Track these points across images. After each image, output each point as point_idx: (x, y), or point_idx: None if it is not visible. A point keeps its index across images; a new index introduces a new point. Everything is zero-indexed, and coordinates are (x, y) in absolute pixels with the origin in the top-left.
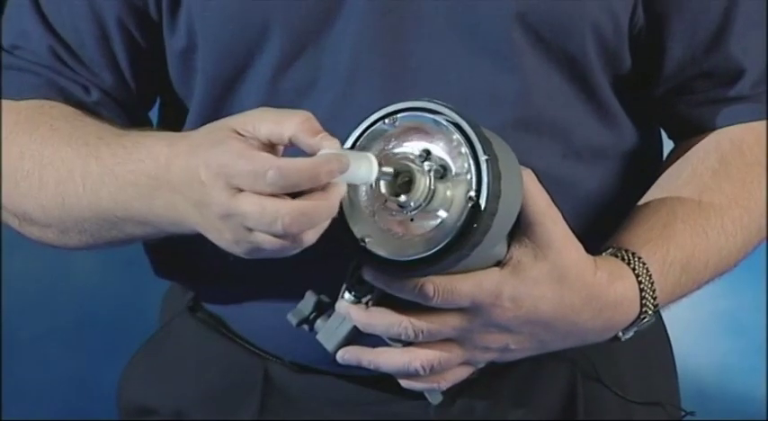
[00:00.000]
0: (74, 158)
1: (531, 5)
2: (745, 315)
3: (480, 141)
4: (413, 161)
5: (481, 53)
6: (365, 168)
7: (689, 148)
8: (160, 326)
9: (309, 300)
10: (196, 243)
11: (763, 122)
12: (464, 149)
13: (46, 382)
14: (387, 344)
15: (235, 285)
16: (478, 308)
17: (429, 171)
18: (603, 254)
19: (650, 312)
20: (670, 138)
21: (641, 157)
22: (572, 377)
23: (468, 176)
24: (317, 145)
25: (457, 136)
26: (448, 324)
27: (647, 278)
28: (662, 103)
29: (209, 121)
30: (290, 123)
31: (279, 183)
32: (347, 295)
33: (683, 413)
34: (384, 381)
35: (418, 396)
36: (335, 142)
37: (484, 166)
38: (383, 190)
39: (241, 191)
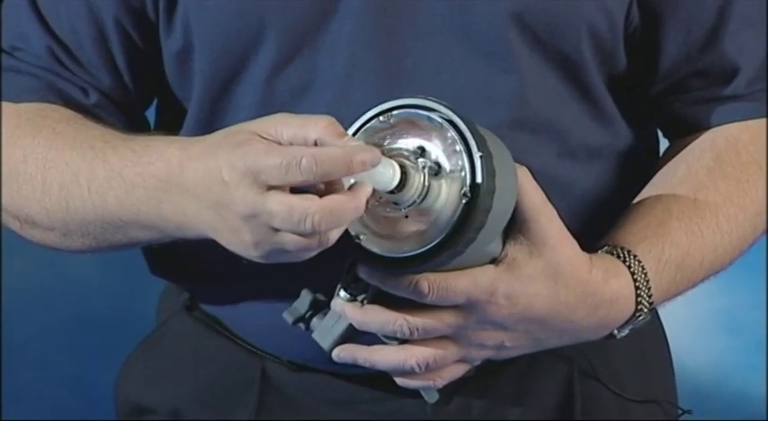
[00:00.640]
0: (79, 162)
1: (526, 5)
2: (742, 313)
3: (475, 138)
4: (407, 158)
5: (477, 53)
6: (389, 173)
7: (684, 147)
8: (156, 325)
9: (305, 298)
10: (193, 243)
11: (759, 121)
12: (458, 146)
13: (43, 382)
14: (382, 342)
15: (231, 285)
16: (473, 305)
17: (423, 168)
18: (599, 251)
19: (645, 310)
20: (665, 136)
21: (637, 156)
22: (569, 375)
23: (463, 173)
24: (344, 146)
25: (451, 133)
26: (443, 321)
27: (643, 276)
28: (657, 101)
29: (206, 121)
30: (315, 127)
31: (313, 170)
32: (342, 293)
33: (680, 411)
34: (380, 380)
35: (415, 394)
36: (362, 144)
37: (478, 163)
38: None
39: (269, 189)
